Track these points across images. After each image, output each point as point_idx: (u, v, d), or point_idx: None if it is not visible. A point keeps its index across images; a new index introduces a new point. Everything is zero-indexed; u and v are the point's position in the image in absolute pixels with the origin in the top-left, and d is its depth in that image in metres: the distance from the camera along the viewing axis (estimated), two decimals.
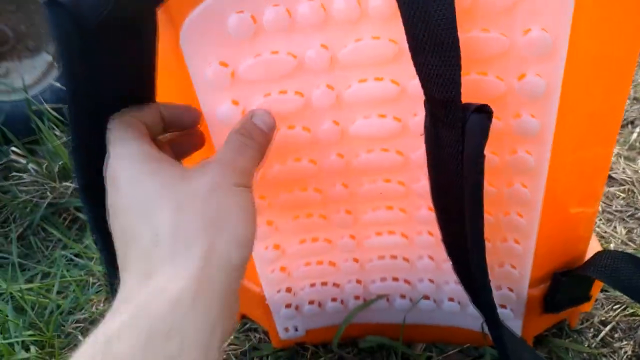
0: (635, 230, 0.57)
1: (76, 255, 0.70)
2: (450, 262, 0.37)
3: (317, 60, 0.31)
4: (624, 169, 0.66)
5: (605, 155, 0.36)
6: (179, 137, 0.33)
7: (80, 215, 0.76)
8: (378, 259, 0.42)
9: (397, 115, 0.34)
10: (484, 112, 0.27)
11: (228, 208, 0.26)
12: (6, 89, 0.88)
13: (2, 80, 0.88)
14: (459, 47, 0.26)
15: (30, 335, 0.56)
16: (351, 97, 0.33)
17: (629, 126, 0.75)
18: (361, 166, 0.36)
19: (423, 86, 0.28)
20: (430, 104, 0.29)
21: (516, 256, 0.38)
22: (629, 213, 0.60)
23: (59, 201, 0.78)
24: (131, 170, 0.26)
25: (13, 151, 0.81)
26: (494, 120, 0.32)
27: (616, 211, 0.60)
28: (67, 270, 0.66)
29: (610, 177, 0.66)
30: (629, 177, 0.65)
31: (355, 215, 0.40)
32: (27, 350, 0.54)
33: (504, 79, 0.30)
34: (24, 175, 0.79)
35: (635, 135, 0.72)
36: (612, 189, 0.64)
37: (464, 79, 0.30)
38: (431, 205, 0.38)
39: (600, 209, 0.61)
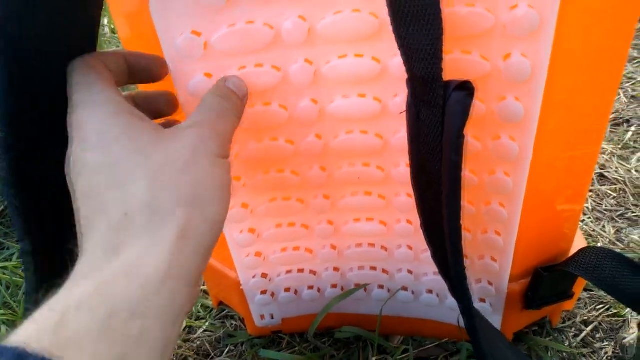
0: (624, 230, 0.56)
1: None
2: (429, 252, 0.36)
3: (295, 33, 0.30)
4: (616, 168, 0.65)
5: (591, 154, 0.34)
6: (147, 97, 0.32)
7: None
8: (356, 246, 0.41)
9: (377, 95, 0.32)
10: (466, 90, 0.25)
11: (207, 182, 0.24)
12: None
13: None
14: (441, 18, 0.25)
15: (1, 315, 0.54)
16: (330, 73, 0.31)
17: (624, 125, 0.74)
18: (340, 148, 0.35)
19: (405, 62, 0.27)
20: (412, 81, 0.28)
21: (497, 249, 0.37)
22: (619, 213, 0.59)
23: None
24: (101, 124, 0.24)
25: None
26: (477, 104, 0.31)
27: (606, 210, 0.59)
28: None
29: (602, 175, 0.65)
30: (621, 177, 0.63)
31: (333, 200, 0.38)
32: None
33: (489, 58, 0.28)
34: None
35: (629, 134, 0.71)
36: (603, 188, 0.62)
37: (448, 58, 0.28)
38: (410, 192, 0.36)
39: (590, 207, 0.60)
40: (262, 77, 0.32)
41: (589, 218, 0.58)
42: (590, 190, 0.62)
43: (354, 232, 0.40)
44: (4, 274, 0.61)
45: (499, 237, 0.36)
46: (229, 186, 0.26)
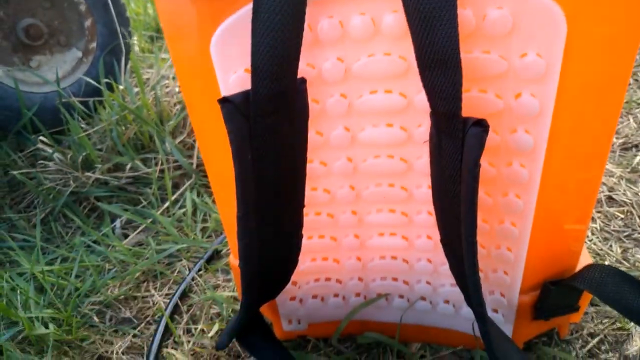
0: (630, 250, 0.59)
1: (94, 242, 0.74)
2: (447, 265, 0.40)
3: (333, 71, 0.34)
4: (624, 191, 0.68)
5: (595, 178, 0.38)
6: None
7: (100, 204, 0.80)
8: (379, 258, 0.45)
9: (403, 125, 0.37)
10: (482, 126, 0.30)
11: None
12: (38, 80, 0.93)
13: (36, 72, 0.93)
14: (460, 65, 0.29)
15: (48, 313, 0.59)
16: (362, 106, 0.36)
17: (633, 149, 0.77)
18: (368, 170, 0.39)
19: (429, 99, 0.31)
20: (435, 115, 0.32)
21: (508, 263, 0.41)
22: (626, 233, 0.62)
23: (80, 190, 0.82)
24: None
25: (41, 140, 0.85)
26: (492, 134, 0.35)
27: (614, 231, 0.63)
28: (86, 256, 0.70)
29: (610, 198, 0.68)
30: (629, 199, 0.67)
31: (360, 216, 0.43)
32: (46, 326, 0.58)
33: (502, 97, 0.33)
34: (50, 164, 0.83)
35: (638, 158, 0.74)
36: (611, 209, 0.66)
37: (467, 95, 0.33)
38: (431, 210, 0.41)
39: (598, 227, 0.63)
40: None
41: (597, 238, 0.61)
42: (599, 212, 0.66)
43: (378, 246, 0.44)
44: (49, 276, 0.66)
45: (510, 253, 0.40)
46: None
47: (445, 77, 0.30)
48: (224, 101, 0.32)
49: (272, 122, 0.33)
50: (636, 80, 0.99)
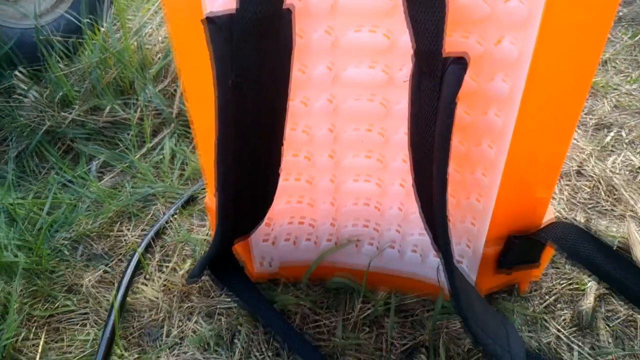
0: (593, 220, 0.62)
1: (69, 181, 0.73)
2: (417, 213, 0.41)
3: (320, 4, 0.35)
4: (593, 166, 0.71)
5: (563, 142, 0.39)
6: None
7: (75, 145, 0.79)
8: (353, 204, 0.46)
9: (385, 67, 0.37)
10: (460, 64, 0.30)
11: None
12: (15, 14, 0.90)
13: (14, 6, 0.89)
14: (446, 3, 0.30)
15: (18, 243, 0.59)
16: (346, 43, 0.36)
17: (605, 130, 0.80)
18: (348, 112, 0.40)
19: (412, 37, 0.32)
20: (417, 55, 0.33)
21: (476, 213, 0.42)
22: (591, 205, 0.64)
23: (56, 129, 0.80)
24: None
25: (16, 75, 0.83)
26: (470, 80, 0.36)
27: (580, 202, 0.65)
28: (59, 193, 0.69)
29: (580, 172, 0.70)
30: (596, 174, 0.69)
31: (337, 160, 0.43)
32: (16, 256, 0.57)
33: (483, 43, 0.33)
34: (25, 100, 0.81)
35: (608, 138, 0.77)
36: (579, 183, 0.68)
37: (449, 39, 0.33)
38: (405, 157, 0.42)
39: (565, 197, 0.65)
40: None
41: (563, 208, 0.64)
42: (567, 184, 0.68)
43: (352, 191, 0.45)
44: (21, 209, 0.65)
45: (479, 203, 0.41)
46: None
47: (429, 14, 0.30)
48: (208, 21, 0.32)
49: (255, 47, 0.33)
50: (614, 67, 1.01)
